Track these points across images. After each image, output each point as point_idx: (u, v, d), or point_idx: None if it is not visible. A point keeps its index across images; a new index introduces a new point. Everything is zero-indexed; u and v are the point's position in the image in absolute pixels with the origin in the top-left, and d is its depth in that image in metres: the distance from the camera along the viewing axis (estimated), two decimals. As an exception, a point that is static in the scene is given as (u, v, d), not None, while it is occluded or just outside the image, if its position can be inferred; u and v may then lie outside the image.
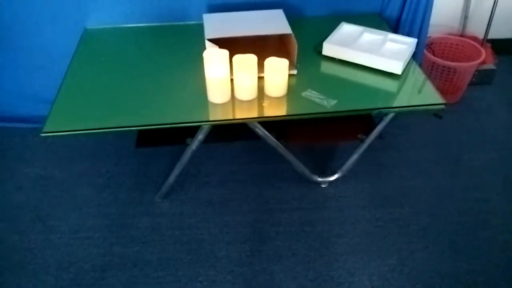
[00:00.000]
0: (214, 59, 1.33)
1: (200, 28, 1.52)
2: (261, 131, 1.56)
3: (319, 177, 1.79)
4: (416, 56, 1.65)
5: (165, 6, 1.78)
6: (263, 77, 1.41)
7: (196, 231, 1.63)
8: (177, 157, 1.66)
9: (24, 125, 2.04)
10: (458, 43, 2.25)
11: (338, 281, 1.48)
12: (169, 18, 1.80)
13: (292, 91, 1.43)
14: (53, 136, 1.28)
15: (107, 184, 1.81)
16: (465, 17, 2.31)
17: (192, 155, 1.61)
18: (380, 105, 1.41)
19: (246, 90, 1.39)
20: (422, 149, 1.97)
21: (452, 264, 1.53)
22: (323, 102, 1.38)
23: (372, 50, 1.53)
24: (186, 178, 1.81)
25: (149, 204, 1.73)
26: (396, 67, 1.49)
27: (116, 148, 1.97)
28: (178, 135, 1.86)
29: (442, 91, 1.45)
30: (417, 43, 1.61)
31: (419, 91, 1.47)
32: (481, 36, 2.32)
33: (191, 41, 1.65)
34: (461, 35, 2.32)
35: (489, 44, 2.36)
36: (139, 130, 2.02)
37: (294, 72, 1.49)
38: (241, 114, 1.38)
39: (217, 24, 1.52)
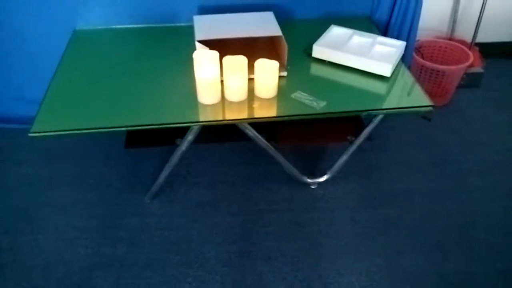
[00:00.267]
0: (204, 60, 1.33)
1: (190, 30, 1.52)
2: (251, 132, 1.57)
3: (308, 178, 1.80)
4: (405, 59, 1.67)
5: (156, 8, 1.78)
6: (253, 79, 1.42)
7: (185, 232, 1.63)
8: (167, 158, 1.65)
9: (13, 126, 2.02)
10: (447, 47, 2.28)
11: (327, 281, 1.49)
12: (159, 19, 1.80)
13: (282, 92, 1.44)
14: (41, 136, 1.28)
15: (95, 184, 1.80)
16: (453, 21, 2.34)
17: (182, 156, 1.61)
18: (369, 107, 1.43)
19: (236, 91, 1.39)
20: (411, 151, 1.99)
21: (440, 264, 1.54)
22: (313, 104, 1.39)
23: (361, 53, 1.55)
24: (175, 179, 1.81)
25: (138, 204, 1.72)
26: (385, 70, 1.50)
27: (105, 149, 1.96)
28: (168, 136, 1.85)
29: (430, 93, 1.47)
30: (406, 46, 1.63)
31: (408, 93, 1.49)
32: (469, 39, 2.35)
33: (181, 43, 1.65)
34: (450, 39, 2.35)
35: (477, 48, 2.39)
36: (128, 131, 2.01)
37: (284, 74, 1.50)
38: (231, 115, 1.38)
39: (207, 26, 1.52)
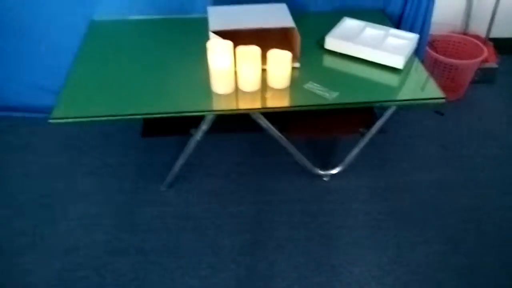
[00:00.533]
0: (218, 49, 1.36)
1: (205, 21, 1.55)
2: (264, 122, 1.59)
3: (320, 170, 1.82)
4: (418, 53, 1.67)
5: (171, -1, 1.82)
6: (266, 69, 1.44)
7: (199, 220, 1.67)
8: (182, 148, 1.69)
9: (33, 115, 2.08)
10: (460, 41, 2.27)
11: (339, 271, 1.51)
12: (174, 10, 1.83)
13: (295, 83, 1.46)
14: (60, 123, 1.32)
15: (113, 173, 1.85)
16: (467, 15, 2.33)
17: (196, 145, 1.65)
18: (381, 98, 1.44)
19: (249, 81, 1.42)
20: (424, 145, 2.00)
21: (452, 257, 1.55)
22: (325, 94, 1.41)
23: (374, 45, 1.56)
24: (190, 168, 1.84)
25: (154, 193, 1.77)
26: (398, 62, 1.51)
27: (122, 139, 2.01)
28: (183, 126, 1.89)
29: (444, 88, 1.46)
30: (419, 40, 1.64)
31: (420, 86, 1.50)
32: (483, 34, 2.34)
33: (196, 34, 1.68)
34: (464, 33, 2.34)
35: (491, 43, 2.38)
36: (145, 120, 2.06)
37: (297, 65, 1.52)
38: (244, 104, 1.41)
39: (221, 17, 1.55)
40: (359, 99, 1.43)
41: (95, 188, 1.79)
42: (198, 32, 1.63)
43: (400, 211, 1.70)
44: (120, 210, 1.70)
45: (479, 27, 2.36)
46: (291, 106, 1.41)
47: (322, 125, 2.07)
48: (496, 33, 2.36)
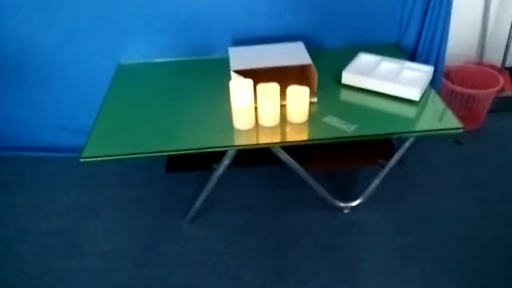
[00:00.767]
0: (239, 88, 1.42)
1: (225, 61, 1.62)
2: (283, 156, 1.62)
3: (341, 202, 1.82)
4: (434, 84, 1.70)
5: (193, 42, 1.90)
6: (285, 105, 1.49)
7: (221, 255, 1.68)
8: (204, 181, 1.73)
9: (61, 155, 2.16)
10: (476, 71, 2.29)
11: (363, 305, 1.49)
12: (197, 52, 1.92)
13: (313, 117, 1.50)
14: (91, 161, 1.38)
15: (137, 208, 1.89)
16: (482, 45, 2.36)
17: (218, 180, 1.68)
18: (399, 130, 1.47)
19: (269, 116, 1.46)
20: (444, 176, 1.99)
21: (478, 290, 1.52)
22: (343, 127, 1.44)
23: (390, 78, 1.60)
24: (212, 203, 1.87)
25: (177, 228, 1.79)
26: (414, 94, 1.54)
27: (147, 174, 2.06)
28: (205, 161, 1.93)
29: (461, 118, 1.47)
30: (435, 72, 1.66)
31: (438, 116, 1.51)
32: (498, 64, 2.35)
33: (217, 73, 1.75)
34: (479, 64, 2.37)
35: (507, 72, 2.39)
36: (169, 157, 2.12)
37: (315, 100, 1.57)
38: (265, 139, 1.45)
39: (241, 57, 1.62)
40: (377, 131, 1.45)
41: (120, 223, 1.83)
42: (219, 71, 1.70)
43: (423, 243, 1.68)
44: (144, 245, 1.73)
45: (494, 56, 2.38)
46: (310, 140, 1.44)
47: (341, 157, 2.09)
48: (512, 62, 2.38)
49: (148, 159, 2.08)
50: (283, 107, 1.48)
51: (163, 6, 1.79)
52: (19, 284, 1.61)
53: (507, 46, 2.29)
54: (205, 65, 1.88)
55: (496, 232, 1.71)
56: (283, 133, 1.46)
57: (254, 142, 1.44)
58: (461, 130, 1.43)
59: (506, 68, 2.37)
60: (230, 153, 1.58)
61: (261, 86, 1.44)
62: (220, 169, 1.63)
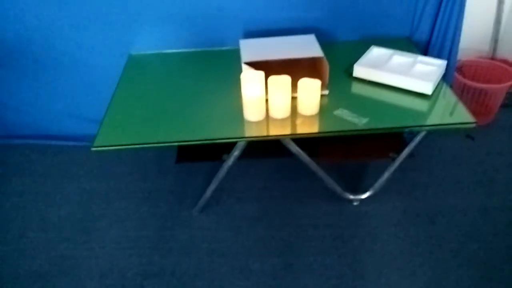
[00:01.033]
0: (251, 80, 1.42)
1: (236, 53, 1.62)
2: (294, 148, 1.63)
3: (350, 194, 1.83)
4: (446, 79, 1.69)
5: (204, 33, 1.90)
6: (296, 97, 1.49)
7: (230, 244, 1.69)
8: (214, 172, 1.74)
9: (72, 143, 2.19)
10: (489, 66, 2.27)
11: (370, 297, 1.50)
12: (207, 44, 1.92)
13: (324, 110, 1.50)
14: (102, 151, 1.40)
15: (147, 198, 1.91)
16: (495, 40, 2.33)
17: (228, 171, 1.69)
18: (411, 124, 1.46)
19: (280, 108, 1.47)
20: (455, 169, 1.98)
21: (488, 285, 1.51)
22: (355, 120, 1.44)
23: (402, 71, 1.59)
24: (221, 193, 1.89)
25: (187, 217, 1.81)
26: (426, 88, 1.53)
27: (157, 165, 2.08)
28: (215, 152, 1.95)
29: (474, 113, 1.46)
30: (447, 66, 1.65)
31: (450, 110, 1.51)
32: (511, 58, 2.33)
33: (228, 65, 1.76)
34: (492, 58, 2.34)
35: (521, 67, 2.36)
36: (179, 147, 2.13)
37: (326, 92, 1.57)
38: (275, 131, 1.45)
39: (252, 49, 1.62)
40: (388, 125, 1.44)
41: (131, 212, 1.85)
42: (230, 63, 1.71)
43: (432, 237, 1.68)
44: (154, 234, 1.75)
45: (507, 51, 2.35)
46: (321, 132, 1.44)
47: (352, 150, 2.09)
48: (525, 57, 2.35)
49: (158, 149, 2.11)
50: (294, 99, 1.48)
51: (174, -3, 1.80)
52: (31, 271, 1.64)
53: (521, 41, 2.27)
54: (216, 57, 1.88)
55: (506, 227, 1.70)
56: (294, 125, 1.46)
57: (265, 134, 1.44)
58: (474, 125, 1.42)
59: (519, 63, 2.34)
60: (240, 145, 1.59)
61: (272, 78, 1.45)
62: (230, 160, 1.64)
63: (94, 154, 1.39)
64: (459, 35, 1.88)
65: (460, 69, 2.24)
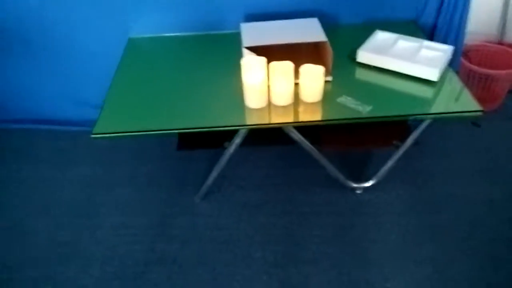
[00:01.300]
0: (252, 66, 1.39)
1: (237, 36, 1.58)
2: (296, 136, 1.61)
3: (353, 183, 1.81)
4: (452, 64, 1.65)
5: (204, 16, 1.86)
6: (298, 84, 1.46)
7: (232, 232, 1.69)
8: (215, 160, 1.73)
9: (72, 128, 2.17)
10: (496, 51, 2.22)
11: (374, 286, 1.49)
12: (208, 27, 1.88)
13: (327, 97, 1.46)
14: (102, 137, 1.38)
15: (149, 185, 1.90)
16: (503, 24, 2.27)
17: (229, 158, 1.68)
18: (416, 111, 1.43)
19: (282, 95, 1.44)
20: (460, 157, 1.95)
21: (491, 275, 1.50)
22: (358, 108, 1.41)
23: (407, 57, 1.55)
24: (223, 181, 1.87)
25: (189, 204, 1.80)
26: (432, 74, 1.50)
27: (158, 152, 2.06)
28: (217, 139, 1.93)
29: (479, 99, 1.43)
30: (454, 51, 1.61)
31: (456, 98, 1.47)
32: (521, 43, 2.28)
33: (228, 49, 1.72)
34: (499, 43, 2.29)
35: (529, 52, 2.31)
36: (180, 134, 2.11)
37: (329, 78, 1.53)
38: (277, 119, 1.43)
39: (254, 33, 1.58)
40: (393, 113, 1.42)
41: (132, 199, 1.85)
42: (231, 47, 1.67)
43: (436, 225, 1.67)
44: (155, 221, 1.74)
45: (516, 36, 2.30)
46: (324, 120, 1.41)
47: (355, 138, 2.06)
48: (534, 41, 2.29)
49: (160, 136, 2.09)
50: (296, 85, 1.45)
51: (174, -21, 1.75)
52: (31, 258, 1.64)
53: (531, 25, 2.21)
54: (217, 40, 1.84)
55: (511, 216, 1.68)
56: (296, 113, 1.43)
57: (266, 122, 1.42)
58: (480, 113, 1.39)
59: (528, 48, 2.29)
60: (242, 132, 1.57)
61: (274, 64, 1.41)
62: (232, 147, 1.62)
63: (94, 139, 1.37)
64: (466, 19, 1.84)
65: (467, 54, 2.19)
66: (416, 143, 1.72)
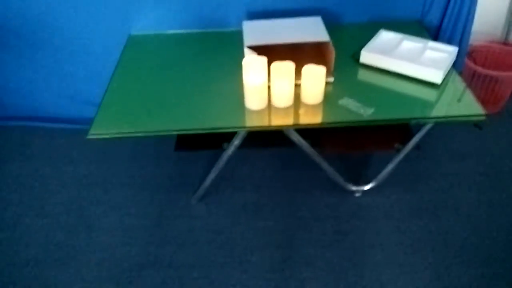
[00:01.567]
0: (253, 66, 1.35)
1: (239, 34, 1.55)
2: (296, 138, 1.58)
3: (353, 186, 1.78)
4: (456, 65, 1.61)
5: (206, 13, 1.82)
6: (300, 84, 1.42)
7: (229, 235, 1.66)
8: (213, 161, 1.69)
9: (70, 126, 2.13)
10: (501, 51, 2.18)
11: (371, 292, 1.47)
12: (209, 25, 1.85)
13: (329, 98, 1.43)
14: (98, 138, 1.35)
15: (145, 185, 1.87)
16: (508, 24, 2.23)
17: (228, 159, 1.64)
18: (418, 115, 1.40)
19: (283, 97, 1.40)
20: (461, 160, 1.92)
21: (491, 282, 1.48)
22: (360, 111, 1.38)
23: (411, 59, 1.52)
24: (221, 182, 1.84)
25: (186, 206, 1.77)
26: (436, 76, 1.47)
27: (156, 151, 2.03)
28: (215, 140, 1.90)
29: (483, 100, 1.41)
30: (458, 51, 1.58)
31: (459, 101, 1.44)
32: (526, 44, 2.24)
33: (230, 48, 1.69)
34: (504, 43, 2.25)
35: (534, 53, 2.27)
36: (178, 134, 2.07)
37: (331, 79, 1.50)
38: (277, 121, 1.40)
39: (256, 32, 1.54)
40: (395, 116, 1.39)
41: (128, 199, 1.82)
42: (233, 45, 1.64)
43: (436, 230, 1.64)
44: (151, 223, 1.71)
45: (521, 36, 2.26)
46: (324, 123, 1.38)
47: (356, 140, 2.03)
48: (540, 42, 2.25)
49: (157, 136, 2.05)
50: (297, 86, 1.42)
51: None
52: (26, 259, 1.62)
53: (537, 25, 2.17)
54: (218, 38, 1.81)
55: (511, 221, 1.66)
56: (297, 115, 1.40)
57: (266, 124, 1.39)
58: (484, 117, 1.37)
59: (533, 49, 2.25)
60: (241, 134, 1.54)
61: (275, 65, 1.38)
62: (230, 149, 1.59)
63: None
64: (472, 19, 1.81)
65: (471, 55, 2.15)
66: (417, 146, 1.69)
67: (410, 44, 1.61)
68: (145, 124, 1.37)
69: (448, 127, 2.06)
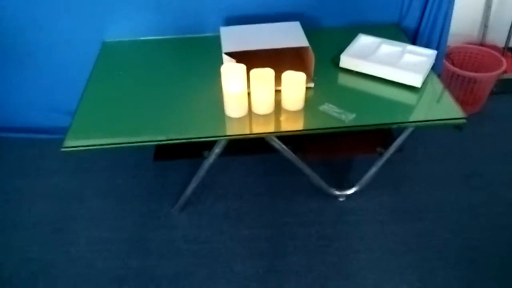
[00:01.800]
0: (231, 74, 1.32)
1: (216, 39, 1.52)
2: (277, 144, 1.55)
3: (336, 190, 1.77)
4: (435, 67, 1.62)
5: (182, 19, 1.79)
6: (280, 90, 1.40)
7: (212, 245, 1.62)
8: (194, 170, 1.66)
9: (44, 136, 2.06)
10: (478, 53, 2.21)
11: (357, 297, 1.46)
12: (186, 30, 1.81)
13: (310, 104, 1.42)
14: (73, 151, 1.30)
15: (124, 196, 1.82)
16: (485, 25, 2.26)
17: (209, 167, 1.61)
18: (399, 120, 1.39)
19: (263, 104, 1.38)
20: (442, 162, 1.93)
21: (474, 283, 1.49)
22: (341, 116, 1.37)
23: (390, 63, 1.51)
24: (202, 191, 1.81)
25: (166, 216, 1.73)
26: (416, 80, 1.47)
27: (134, 161, 1.98)
28: (195, 148, 1.86)
29: (462, 101, 1.42)
30: (437, 54, 1.58)
31: (439, 105, 1.45)
32: (501, 44, 2.27)
33: (208, 53, 1.66)
34: (481, 44, 2.28)
35: (510, 53, 2.31)
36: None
37: (311, 85, 1.48)
38: (258, 128, 1.37)
39: (234, 37, 1.52)
40: (376, 121, 1.38)
41: (106, 211, 1.76)
42: (210, 51, 1.60)
43: (419, 233, 1.64)
44: (131, 234, 1.67)
45: (497, 37, 2.30)
46: (306, 130, 1.37)
47: (338, 145, 2.01)
48: (515, 43, 2.29)
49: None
50: (277, 92, 1.40)
51: (149, -21, 1.67)
52: (2, 273, 1.55)
53: (511, 27, 2.20)
54: (195, 44, 1.77)
55: (493, 222, 1.67)
56: (278, 122, 1.38)
57: (247, 132, 1.36)
58: (464, 121, 1.37)
59: (509, 49, 2.29)
60: (222, 142, 1.51)
61: (254, 72, 1.35)
62: (211, 157, 1.56)
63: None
64: (449, 22, 1.82)
65: (448, 56, 2.17)
66: (399, 149, 1.69)
67: (389, 48, 1.61)
68: (122, 135, 1.33)
69: (429, 130, 2.07)
